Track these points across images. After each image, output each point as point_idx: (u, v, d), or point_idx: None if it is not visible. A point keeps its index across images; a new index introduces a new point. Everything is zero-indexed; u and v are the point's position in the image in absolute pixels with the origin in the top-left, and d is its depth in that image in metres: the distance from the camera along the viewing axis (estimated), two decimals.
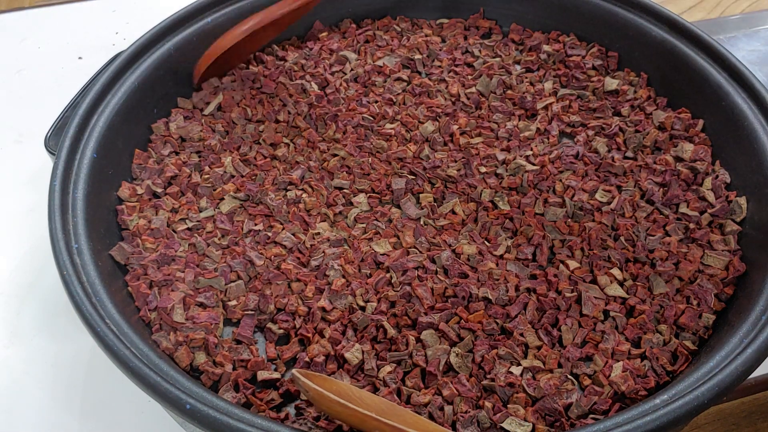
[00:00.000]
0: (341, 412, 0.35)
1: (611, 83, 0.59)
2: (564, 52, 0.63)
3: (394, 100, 0.59)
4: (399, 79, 0.61)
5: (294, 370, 0.36)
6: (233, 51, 0.58)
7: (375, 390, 0.42)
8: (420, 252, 0.48)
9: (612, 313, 0.45)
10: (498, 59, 0.62)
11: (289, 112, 0.57)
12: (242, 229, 0.50)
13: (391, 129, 0.56)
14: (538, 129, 0.57)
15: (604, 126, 0.57)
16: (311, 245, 0.49)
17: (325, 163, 0.54)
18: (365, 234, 0.49)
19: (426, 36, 0.65)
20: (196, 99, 0.58)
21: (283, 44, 0.64)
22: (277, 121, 0.57)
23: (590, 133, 0.56)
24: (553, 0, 0.64)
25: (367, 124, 0.57)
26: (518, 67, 0.62)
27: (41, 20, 0.80)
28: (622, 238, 0.49)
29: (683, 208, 0.51)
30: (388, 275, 0.47)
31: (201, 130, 0.56)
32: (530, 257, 0.48)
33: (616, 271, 0.47)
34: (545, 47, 0.63)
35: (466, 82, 0.60)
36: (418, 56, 0.63)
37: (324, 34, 0.65)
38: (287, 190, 0.52)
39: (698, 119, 0.56)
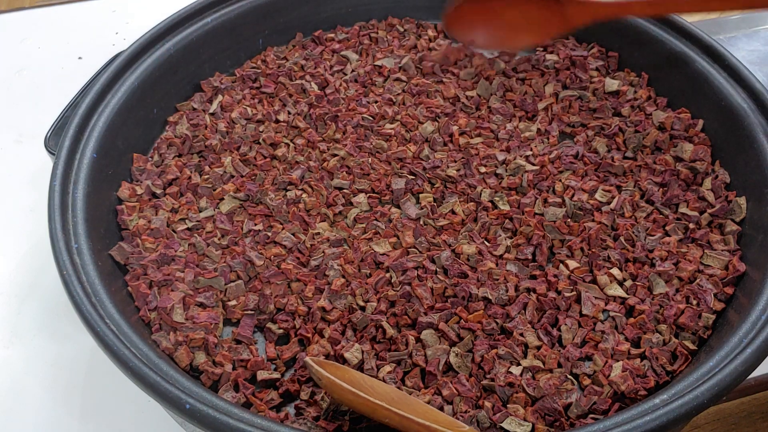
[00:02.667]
0: (352, 401, 0.35)
1: (612, 84, 0.59)
2: (569, 60, 0.62)
3: (394, 100, 0.59)
4: (398, 79, 0.61)
5: (307, 358, 0.36)
6: (489, 18, 0.55)
7: None
8: (420, 252, 0.48)
9: (612, 313, 0.45)
10: (501, 65, 0.62)
11: (289, 113, 0.57)
12: (242, 229, 0.50)
13: (391, 129, 0.56)
14: (538, 130, 0.56)
15: (603, 126, 0.57)
16: (311, 245, 0.49)
17: (324, 163, 0.54)
18: (365, 234, 0.49)
19: (430, 40, 0.65)
20: (195, 100, 0.58)
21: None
22: (277, 121, 0.57)
23: (590, 133, 0.56)
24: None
25: (367, 124, 0.57)
26: (519, 73, 0.62)
27: (41, 20, 0.80)
28: (621, 238, 0.49)
29: (683, 208, 0.51)
30: (387, 275, 0.47)
31: (205, 130, 0.56)
32: (530, 257, 0.48)
33: (615, 271, 0.47)
34: (549, 56, 0.62)
35: (465, 84, 0.60)
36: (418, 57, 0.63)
37: (331, 35, 0.65)
38: (287, 190, 0.52)
39: (698, 119, 0.56)
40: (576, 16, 0.56)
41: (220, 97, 0.58)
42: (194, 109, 0.58)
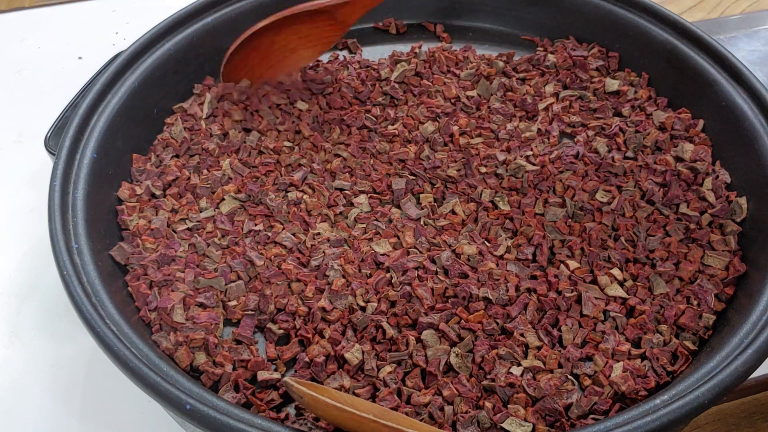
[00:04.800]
0: (338, 416, 0.35)
1: (612, 84, 0.59)
2: (570, 61, 0.62)
3: (397, 101, 0.59)
4: (402, 82, 0.61)
5: (287, 378, 0.36)
6: (263, 52, 0.55)
7: (375, 390, 0.42)
8: (420, 252, 0.48)
9: (612, 314, 0.45)
10: (501, 65, 0.62)
11: (294, 121, 0.57)
12: (242, 229, 0.50)
13: (394, 130, 0.56)
14: (538, 130, 0.56)
15: (604, 126, 0.57)
16: (311, 245, 0.49)
17: (327, 165, 0.54)
18: (365, 234, 0.49)
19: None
20: (189, 103, 0.58)
21: None
22: (279, 131, 0.57)
23: (590, 133, 0.56)
24: (554, 0, 0.64)
25: (370, 125, 0.56)
26: (519, 73, 0.62)
27: (41, 20, 0.80)
28: (622, 239, 0.49)
29: (683, 209, 0.51)
30: (388, 275, 0.47)
31: (200, 134, 0.55)
32: (530, 257, 0.48)
33: (616, 272, 0.47)
34: (550, 56, 0.62)
35: (465, 84, 0.60)
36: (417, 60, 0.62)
37: None
38: (287, 191, 0.52)
39: (698, 119, 0.56)
40: (348, 15, 0.55)
41: (209, 97, 0.57)
42: (187, 113, 0.57)
